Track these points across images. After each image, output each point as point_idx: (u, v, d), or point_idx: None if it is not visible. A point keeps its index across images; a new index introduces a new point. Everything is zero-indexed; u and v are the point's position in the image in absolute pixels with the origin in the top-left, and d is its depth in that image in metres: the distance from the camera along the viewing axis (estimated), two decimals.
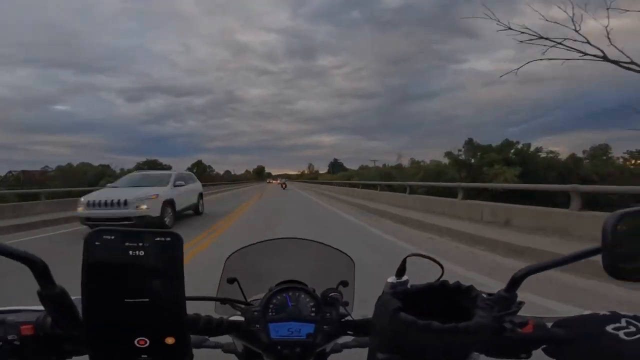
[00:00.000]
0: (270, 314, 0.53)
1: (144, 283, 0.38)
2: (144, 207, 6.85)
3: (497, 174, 28.85)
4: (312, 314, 0.53)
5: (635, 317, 0.39)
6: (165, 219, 7.34)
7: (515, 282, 0.45)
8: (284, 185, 35.67)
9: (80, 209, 6.83)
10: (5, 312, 0.43)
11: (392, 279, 0.52)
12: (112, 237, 0.38)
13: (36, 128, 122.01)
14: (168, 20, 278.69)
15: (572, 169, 30.58)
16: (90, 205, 6.78)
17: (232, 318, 0.53)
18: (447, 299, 0.45)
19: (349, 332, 0.54)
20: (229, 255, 0.69)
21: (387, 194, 12.82)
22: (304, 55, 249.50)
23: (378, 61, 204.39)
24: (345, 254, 0.71)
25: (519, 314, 0.46)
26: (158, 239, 0.39)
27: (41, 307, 0.40)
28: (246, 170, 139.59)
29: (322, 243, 0.71)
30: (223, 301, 0.57)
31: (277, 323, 0.52)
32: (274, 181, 73.71)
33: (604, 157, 33.70)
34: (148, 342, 0.38)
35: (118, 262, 0.38)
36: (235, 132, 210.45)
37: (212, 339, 0.55)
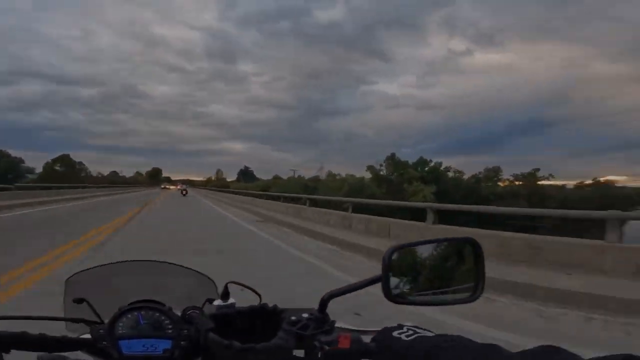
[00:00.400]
0: (120, 331, 0.54)
1: None
2: None
3: (416, 191, 29.19)
4: (169, 331, 0.55)
5: (414, 326, 0.49)
6: None
7: (323, 303, 0.52)
8: (184, 192, 32.67)
9: None
10: None
11: (218, 302, 0.57)
12: None
13: None
14: (69, 2, 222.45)
15: (475, 189, 33.46)
16: None
17: (83, 336, 0.56)
18: (267, 321, 0.54)
19: None
20: (70, 276, 0.69)
21: (332, 213, 9.39)
22: (224, 58, 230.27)
23: (297, 74, 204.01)
24: (205, 275, 0.73)
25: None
26: None
27: None
28: (136, 172, 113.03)
29: (181, 265, 0.74)
30: (57, 319, 0.59)
31: (129, 340, 0.53)
32: (172, 187, 61.59)
33: (495, 179, 37.93)
34: None
35: None
36: (130, 130, 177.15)
37: (71, 356, 0.55)
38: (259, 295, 0.60)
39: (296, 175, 51.71)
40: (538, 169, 38.11)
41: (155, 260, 0.73)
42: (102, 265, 0.71)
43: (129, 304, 0.58)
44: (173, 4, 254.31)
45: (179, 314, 0.57)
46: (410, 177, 30.98)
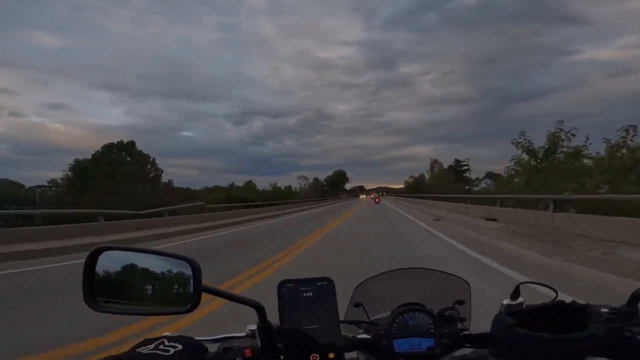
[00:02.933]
0: (394, 331, 0.59)
1: (314, 314, 0.54)
2: None
3: None
4: (431, 330, 0.59)
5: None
6: None
7: (634, 298, 0.51)
8: (376, 200, 34.87)
9: None
10: (230, 338, 0.58)
11: (507, 301, 0.58)
12: (292, 285, 0.56)
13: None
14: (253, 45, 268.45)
15: None
16: None
17: (359, 336, 0.61)
18: (563, 317, 0.53)
19: (467, 345, 0.59)
20: (357, 285, 0.78)
21: None
22: (385, 65, 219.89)
23: (468, 63, 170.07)
24: (460, 277, 0.76)
25: None
26: (319, 283, 0.56)
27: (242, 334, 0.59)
28: (312, 181, 78.21)
29: (436, 270, 0.79)
30: (353, 323, 0.65)
31: (400, 339, 0.58)
32: (364, 196, 52.57)
33: None
34: (318, 357, 0.52)
35: (297, 304, 0.55)
36: (329, 149, 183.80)
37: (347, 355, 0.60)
38: (555, 291, 0.59)
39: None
40: None
41: (417, 268, 0.79)
42: (373, 276, 0.78)
43: (398, 307, 0.64)
44: (322, 28, 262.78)
45: (436, 313, 0.61)
46: None
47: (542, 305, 0.55)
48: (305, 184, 75.65)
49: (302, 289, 0.56)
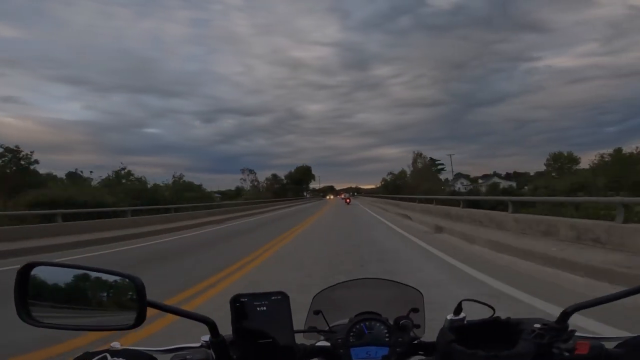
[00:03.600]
0: (351, 340, 0.62)
1: (268, 328, 0.55)
2: None
3: None
4: (386, 339, 0.62)
5: None
6: None
7: (565, 315, 0.53)
8: (347, 200, 32.32)
9: None
10: (183, 349, 0.57)
11: (450, 316, 0.59)
12: (246, 300, 0.56)
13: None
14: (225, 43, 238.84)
15: None
16: None
17: (318, 344, 0.63)
18: (502, 332, 0.56)
19: (420, 352, 0.61)
20: (316, 294, 0.78)
21: None
22: (359, 67, 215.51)
23: (438, 67, 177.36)
24: (413, 287, 0.78)
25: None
26: (273, 297, 0.56)
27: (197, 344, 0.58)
28: (271, 176, 64.64)
29: (392, 280, 0.81)
30: (314, 330, 0.67)
31: (357, 348, 0.60)
32: (332, 196, 51.50)
33: None
34: None
35: (251, 319, 0.55)
36: (298, 149, 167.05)
37: None
38: (493, 309, 0.60)
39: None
40: None
41: (373, 278, 0.81)
42: (332, 285, 0.80)
43: (355, 316, 0.66)
44: (297, 28, 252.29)
45: (392, 322, 0.64)
46: None
47: (480, 321, 0.59)
48: (253, 180, 58.73)
49: (255, 303, 0.56)
